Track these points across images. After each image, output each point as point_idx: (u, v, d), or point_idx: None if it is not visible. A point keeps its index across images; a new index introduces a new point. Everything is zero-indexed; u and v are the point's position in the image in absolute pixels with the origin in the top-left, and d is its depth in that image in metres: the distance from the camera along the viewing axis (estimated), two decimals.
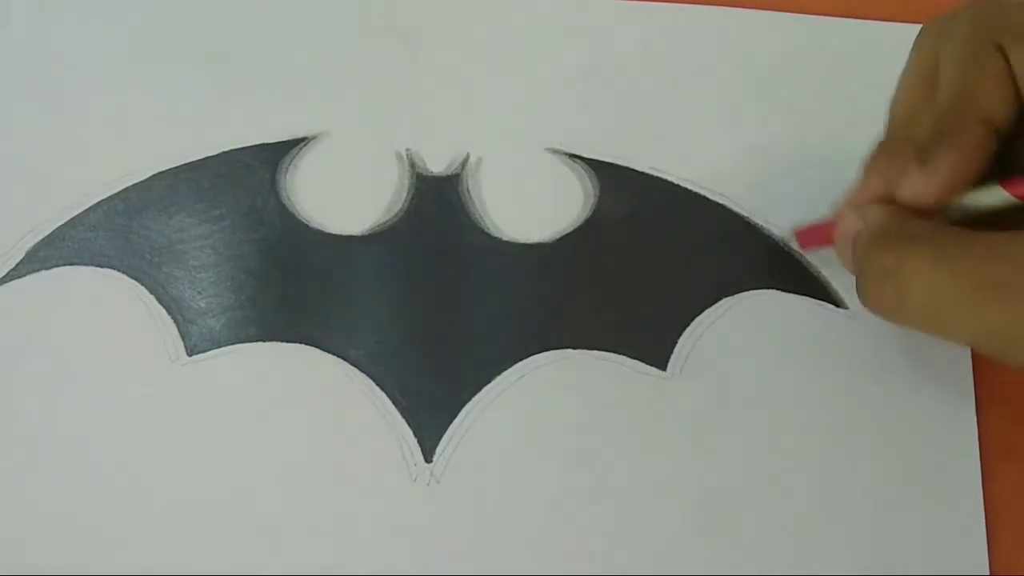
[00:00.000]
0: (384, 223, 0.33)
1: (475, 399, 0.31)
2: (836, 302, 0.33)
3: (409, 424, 0.31)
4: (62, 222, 0.32)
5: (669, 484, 0.31)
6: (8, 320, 0.31)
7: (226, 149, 0.33)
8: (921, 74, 0.29)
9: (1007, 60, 0.26)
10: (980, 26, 0.27)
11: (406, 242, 0.33)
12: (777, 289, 0.33)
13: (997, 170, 0.27)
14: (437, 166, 0.34)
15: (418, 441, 0.31)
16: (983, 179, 0.27)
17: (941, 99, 0.27)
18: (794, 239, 0.33)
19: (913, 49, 0.29)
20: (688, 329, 0.32)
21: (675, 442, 0.31)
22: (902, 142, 0.28)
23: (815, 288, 0.33)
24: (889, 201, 0.28)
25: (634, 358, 0.32)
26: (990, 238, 0.25)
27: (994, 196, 0.27)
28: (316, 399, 0.31)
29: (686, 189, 0.34)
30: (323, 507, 0.30)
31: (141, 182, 0.33)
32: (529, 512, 0.30)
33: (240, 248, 0.32)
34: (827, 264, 0.33)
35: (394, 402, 0.31)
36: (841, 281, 0.33)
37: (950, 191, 0.27)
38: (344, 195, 0.33)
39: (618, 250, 0.33)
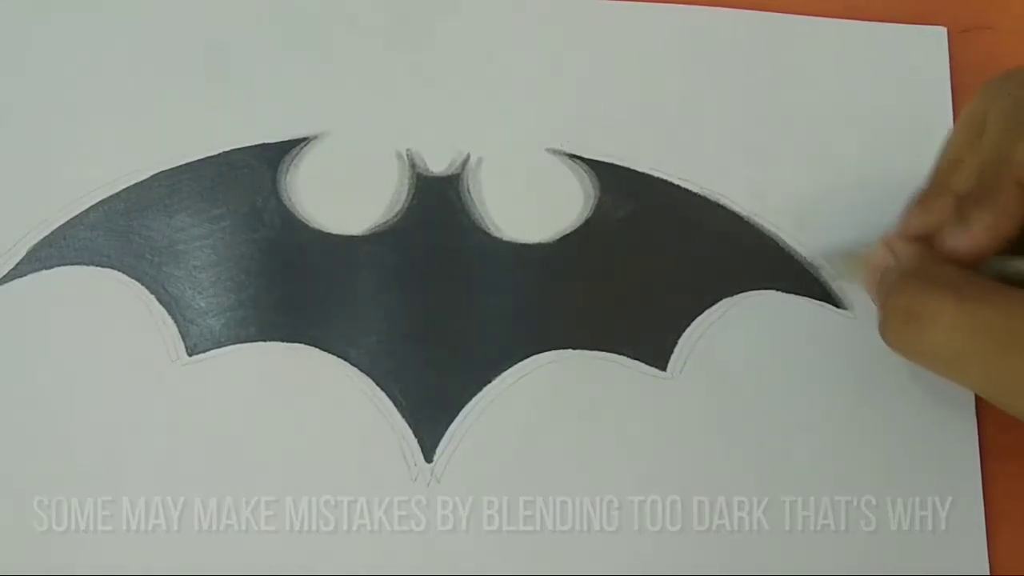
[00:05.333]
0: (384, 223, 0.33)
1: (475, 399, 0.31)
2: (836, 303, 0.33)
3: (409, 424, 0.31)
4: (62, 222, 0.32)
5: (669, 484, 0.31)
6: (8, 319, 0.31)
7: (226, 149, 0.33)
8: (970, 127, 0.29)
9: None
10: None
11: (406, 242, 0.33)
12: (777, 290, 0.33)
13: None
14: (438, 166, 0.34)
15: (418, 441, 0.31)
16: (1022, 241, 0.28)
17: (983, 153, 0.28)
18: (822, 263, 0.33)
19: (967, 105, 0.30)
20: (688, 329, 0.32)
21: (675, 442, 0.31)
22: (942, 190, 0.29)
23: (815, 289, 0.33)
24: (924, 242, 0.29)
25: (634, 358, 0.32)
26: (1012, 293, 0.26)
27: None
28: (316, 399, 0.31)
29: (686, 189, 0.34)
30: (323, 507, 0.30)
31: (141, 182, 0.33)
32: (529, 513, 0.30)
33: (240, 248, 0.32)
34: (827, 265, 0.33)
35: (394, 402, 0.31)
36: (841, 282, 0.33)
37: (985, 248, 0.28)
38: (345, 195, 0.33)
39: (618, 250, 0.33)
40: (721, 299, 0.33)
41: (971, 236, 0.28)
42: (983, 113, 0.29)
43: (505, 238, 0.33)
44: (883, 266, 0.29)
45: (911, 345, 0.28)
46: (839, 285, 0.33)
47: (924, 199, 0.30)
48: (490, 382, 0.31)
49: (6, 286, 0.31)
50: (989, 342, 0.26)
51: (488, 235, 0.33)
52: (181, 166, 0.33)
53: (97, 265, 0.32)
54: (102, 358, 0.31)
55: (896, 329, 0.28)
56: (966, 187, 0.28)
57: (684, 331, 0.32)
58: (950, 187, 0.29)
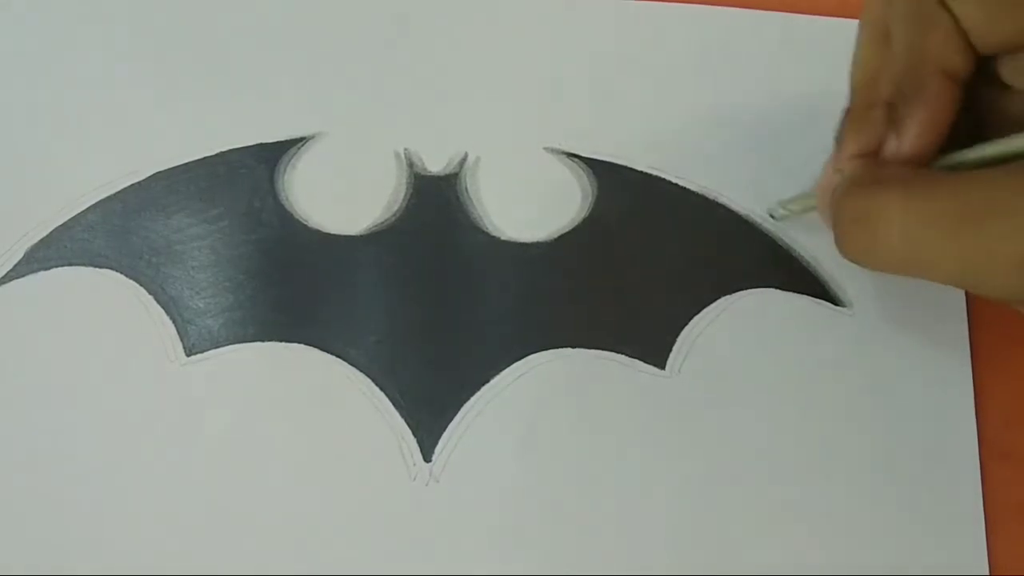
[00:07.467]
0: (382, 223, 0.33)
1: (474, 398, 0.31)
2: (834, 300, 0.33)
3: (408, 424, 0.31)
4: (60, 222, 0.32)
5: (668, 483, 0.31)
6: (7, 320, 0.31)
7: (224, 149, 0.33)
8: (874, 36, 0.29)
9: (952, 14, 0.27)
10: None
11: (404, 242, 0.33)
12: (775, 288, 0.33)
13: (967, 125, 0.28)
14: (435, 165, 0.34)
15: (417, 441, 0.31)
16: (954, 133, 0.27)
17: (897, 59, 0.28)
18: (778, 209, 0.33)
19: (863, 14, 0.29)
20: (687, 328, 0.32)
21: (674, 441, 0.31)
22: (869, 103, 0.29)
23: (813, 286, 0.33)
24: (868, 157, 0.28)
25: (633, 357, 0.32)
26: (958, 174, 0.25)
27: (977, 151, 0.27)
28: (315, 399, 0.31)
29: (684, 188, 0.34)
30: (322, 507, 0.30)
31: (139, 182, 0.33)
32: (528, 512, 0.30)
33: (238, 248, 0.32)
34: (825, 262, 0.33)
35: (393, 402, 0.31)
36: (839, 280, 0.33)
37: (927, 147, 0.27)
38: (342, 195, 0.33)
39: (616, 249, 0.33)
40: (719, 297, 0.33)
41: (910, 139, 0.27)
42: (882, 19, 0.28)
43: (503, 237, 0.33)
44: (831, 187, 0.28)
45: (869, 250, 0.26)
46: (838, 283, 0.33)
47: (854, 116, 0.29)
48: (488, 381, 0.31)
49: (4, 287, 0.31)
50: (945, 226, 0.24)
51: (486, 234, 0.33)
52: (179, 166, 0.33)
53: (95, 266, 0.32)
54: (100, 358, 0.31)
55: (851, 237, 0.27)
56: (890, 94, 0.28)
57: (682, 329, 0.32)
58: (876, 98, 0.28)
